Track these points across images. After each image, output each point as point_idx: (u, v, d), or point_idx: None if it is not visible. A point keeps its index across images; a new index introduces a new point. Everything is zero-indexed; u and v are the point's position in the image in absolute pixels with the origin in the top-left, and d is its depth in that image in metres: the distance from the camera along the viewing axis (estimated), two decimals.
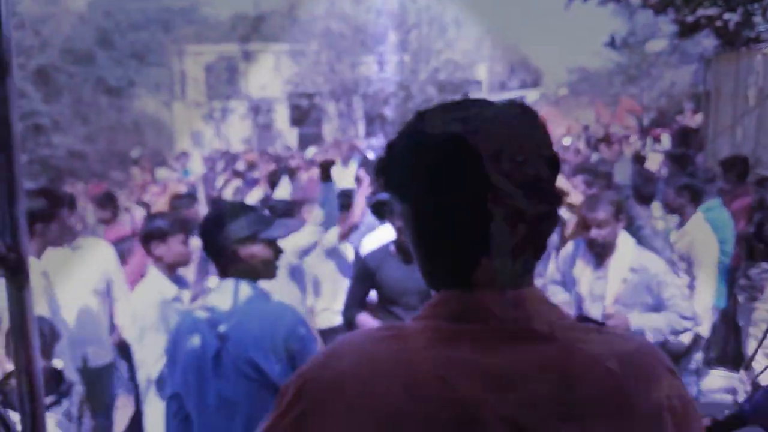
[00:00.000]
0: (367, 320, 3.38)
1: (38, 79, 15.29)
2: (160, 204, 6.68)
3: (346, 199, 4.54)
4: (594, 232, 3.26)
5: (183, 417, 2.09)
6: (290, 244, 3.42)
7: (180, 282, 3.17)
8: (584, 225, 3.34)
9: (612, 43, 11.66)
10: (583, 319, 2.48)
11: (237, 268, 2.10)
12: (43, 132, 14.78)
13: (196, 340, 2.01)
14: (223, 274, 2.12)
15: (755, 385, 2.88)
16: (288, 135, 22.16)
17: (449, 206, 0.90)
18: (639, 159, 8.16)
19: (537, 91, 25.31)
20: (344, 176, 8.75)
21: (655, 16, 10.09)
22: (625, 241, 3.32)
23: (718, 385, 3.11)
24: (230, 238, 2.09)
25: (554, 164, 0.92)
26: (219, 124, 22.24)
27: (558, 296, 3.51)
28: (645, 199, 4.86)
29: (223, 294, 2.08)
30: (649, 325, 3.13)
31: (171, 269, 3.09)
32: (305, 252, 3.78)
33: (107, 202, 5.34)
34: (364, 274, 3.39)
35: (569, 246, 3.63)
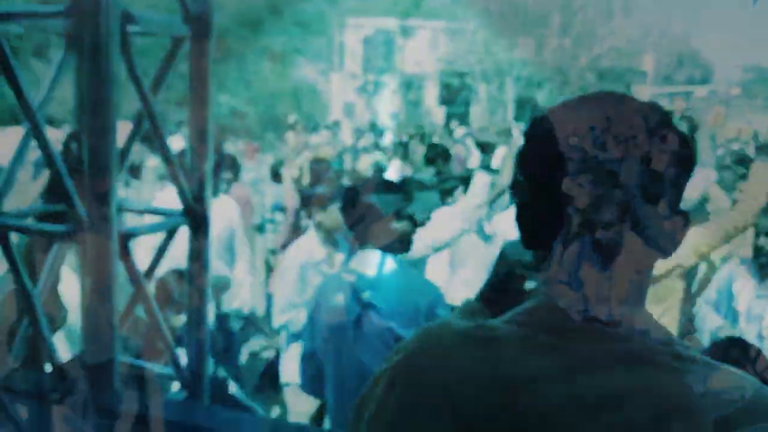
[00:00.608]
0: None
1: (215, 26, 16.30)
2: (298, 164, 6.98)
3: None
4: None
5: (319, 376, 2.18)
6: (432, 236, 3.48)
7: (336, 245, 3.38)
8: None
9: None
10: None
11: (375, 240, 2.16)
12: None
13: (339, 303, 2.09)
14: (362, 244, 2.18)
15: None
16: (435, 113, 22.21)
17: None
18: None
19: (705, 88, 23.56)
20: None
21: None
22: None
23: None
24: (373, 212, 2.15)
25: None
26: (371, 97, 22.74)
27: (712, 320, 3.31)
28: None
29: (369, 263, 2.14)
30: None
31: (329, 234, 3.31)
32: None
33: (232, 165, 5.68)
34: (501, 263, 3.33)
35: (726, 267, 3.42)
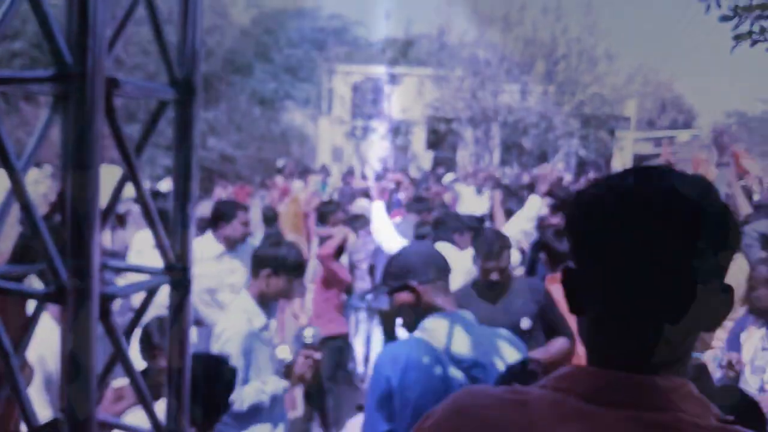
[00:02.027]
0: None
1: (201, 85, 16.42)
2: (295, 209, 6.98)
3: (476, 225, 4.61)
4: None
5: None
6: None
7: (269, 310, 3.21)
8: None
9: None
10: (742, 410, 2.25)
11: (416, 309, 2.08)
12: (201, 135, 15.87)
13: (437, 372, 1.90)
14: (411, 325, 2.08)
15: None
16: (423, 158, 22.39)
17: None
18: None
19: (688, 132, 23.93)
20: (477, 204, 8.71)
21: None
22: None
23: None
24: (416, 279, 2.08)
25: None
26: (359, 142, 22.93)
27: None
28: None
29: (441, 325, 2.01)
30: None
31: (269, 299, 3.14)
32: None
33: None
34: None
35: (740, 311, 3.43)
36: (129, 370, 1.14)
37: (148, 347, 2.75)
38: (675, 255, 0.84)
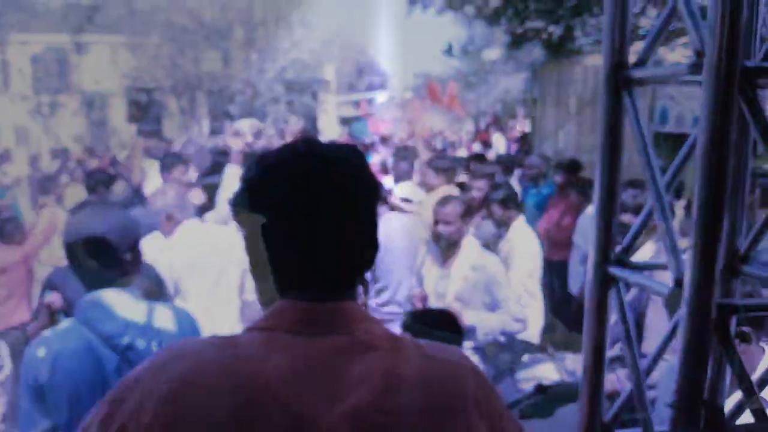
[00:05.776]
0: None
1: None
2: None
3: None
4: (441, 228, 3.39)
5: None
6: None
7: None
8: (434, 221, 3.46)
9: (449, 51, 12.27)
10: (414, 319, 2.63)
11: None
12: None
13: (89, 361, 1.87)
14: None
15: None
16: (124, 132, 20.95)
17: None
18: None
19: (385, 94, 25.88)
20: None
21: (489, 26, 10.72)
22: (469, 241, 3.47)
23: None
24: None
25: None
26: (47, 119, 20.56)
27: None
28: None
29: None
30: (483, 324, 3.26)
31: None
32: None
33: None
34: None
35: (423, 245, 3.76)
36: None
37: None
38: (359, 206, 0.98)
